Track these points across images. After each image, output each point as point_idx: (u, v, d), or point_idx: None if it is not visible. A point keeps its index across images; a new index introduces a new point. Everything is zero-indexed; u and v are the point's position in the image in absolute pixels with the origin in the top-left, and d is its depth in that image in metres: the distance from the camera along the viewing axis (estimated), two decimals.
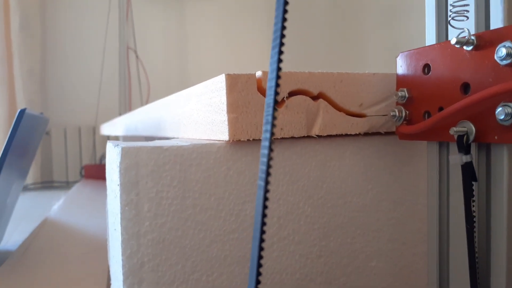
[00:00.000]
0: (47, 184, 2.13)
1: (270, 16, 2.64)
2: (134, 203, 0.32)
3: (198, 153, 0.34)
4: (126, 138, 1.26)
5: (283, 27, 0.23)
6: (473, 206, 0.30)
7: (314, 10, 2.23)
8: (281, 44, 0.23)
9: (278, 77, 0.22)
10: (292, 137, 0.36)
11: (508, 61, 0.27)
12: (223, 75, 0.34)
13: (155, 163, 0.33)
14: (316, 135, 0.37)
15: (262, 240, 0.22)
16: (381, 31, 1.83)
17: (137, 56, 2.26)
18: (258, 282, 0.22)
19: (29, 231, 0.92)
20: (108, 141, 0.44)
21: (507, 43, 0.27)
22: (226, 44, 2.62)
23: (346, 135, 0.38)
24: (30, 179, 2.05)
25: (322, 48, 2.26)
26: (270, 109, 0.22)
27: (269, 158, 0.22)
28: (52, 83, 2.27)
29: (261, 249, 0.22)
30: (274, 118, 0.23)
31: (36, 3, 2.22)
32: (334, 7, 2.16)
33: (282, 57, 0.23)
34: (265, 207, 0.22)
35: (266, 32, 2.67)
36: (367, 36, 1.94)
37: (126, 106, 2.18)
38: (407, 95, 0.35)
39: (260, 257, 0.22)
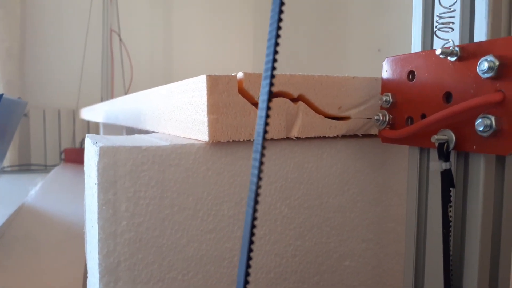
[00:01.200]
0: (24, 167, 2.09)
1: (256, 1, 2.62)
2: (112, 203, 0.32)
3: (177, 153, 0.34)
4: (106, 126, 1.25)
5: (278, 35, 0.23)
6: (450, 211, 0.31)
7: (297, 10, 2.23)
8: (275, 52, 0.23)
9: (271, 84, 0.22)
10: (272, 139, 0.37)
11: (489, 75, 0.28)
12: (204, 76, 0.34)
13: (133, 163, 0.33)
14: (295, 137, 0.38)
15: (251, 242, 0.22)
16: (363, 29, 1.83)
17: (120, 39, 2.23)
18: (246, 282, 0.22)
19: (5, 217, 0.91)
20: (87, 135, 0.43)
21: (489, 57, 0.28)
22: (212, 30, 2.60)
23: (324, 137, 0.39)
24: (7, 161, 2.02)
25: (305, 47, 2.26)
26: (263, 115, 0.22)
27: (261, 163, 0.22)
28: (31, 64, 2.22)
29: (250, 250, 0.23)
30: (266, 124, 0.23)
31: None
32: (318, 6, 2.16)
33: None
34: (255, 211, 0.22)
35: (252, 17, 2.65)
36: (349, 34, 1.94)
37: (108, 90, 2.15)
38: (391, 100, 0.36)
39: (249, 258, 0.23)
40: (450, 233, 0.31)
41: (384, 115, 0.36)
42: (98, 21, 2.19)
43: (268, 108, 0.23)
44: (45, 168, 2.07)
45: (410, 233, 0.36)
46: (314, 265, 0.40)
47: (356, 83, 0.39)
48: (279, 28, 0.22)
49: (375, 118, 0.37)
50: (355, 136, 0.40)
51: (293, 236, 0.39)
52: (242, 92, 0.35)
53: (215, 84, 0.34)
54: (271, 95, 0.22)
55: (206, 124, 0.34)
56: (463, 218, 0.32)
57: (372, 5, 1.79)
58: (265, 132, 0.23)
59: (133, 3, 2.39)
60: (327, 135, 0.39)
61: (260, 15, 2.59)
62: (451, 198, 0.31)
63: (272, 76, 0.23)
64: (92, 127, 2.19)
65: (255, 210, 0.23)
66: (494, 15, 0.30)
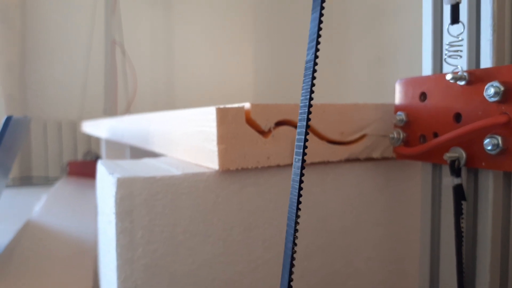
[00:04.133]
0: (25, 179, 2.11)
1: (257, 10, 2.64)
2: (128, 231, 0.34)
3: (189, 182, 0.36)
4: (109, 142, 1.27)
5: (315, 63, 0.25)
6: (462, 222, 0.34)
7: (298, 18, 2.25)
8: (313, 78, 0.25)
9: (309, 113, 0.25)
10: (278, 165, 0.39)
11: (496, 99, 0.30)
12: (214, 108, 0.36)
13: (148, 193, 0.34)
14: None
15: (292, 265, 0.25)
16: (364, 37, 1.86)
17: (123, 51, 2.25)
18: None
19: (10, 233, 0.92)
20: (99, 161, 0.45)
21: (495, 83, 0.30)
22: (214, 41, 2.62)
23: (328, 162, 0.41)
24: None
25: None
26: (302, 140, 0.25)
27: (300, 186, 0.25)
28: (32, 77, 2.24)
29: (291, 273, 0.25)
30: (305, 147, 0.26)
31: None
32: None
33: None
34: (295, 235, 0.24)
35: (253, 27, 2.67)
36: (350, 42, 1.96)
37: (111, 101, 2.16)
38: (405, 119, 0.39)
39: (290, 279, 0.25)
40: (462, 243, 0.33)
41: (398, 133, 0.39)
42: (100, 33, 2.22)
43: (306, 139, 0.25)
44: (46, 181, 2.08)
45: (424, 244, 0.38)
46: (321, 284, 0.41)
47: (357, 109, 0.41)
48: (315, 70, 0.25)
49: (390, 136, 0.40)
50: (357, 160, 0.42)
51: (299, 258, 0.40)
52: (250, 122, 0.37)
53: (224, 116, 0.36)
54: (308, 127, 0.25)
55: (216, 153, 0.36)
56: (474, 229, 0.34)
57: (372, 13, 1.81)
58: (305, 147, 0.26)
59: (135, 14, 2.41)
60: (330, 160, 0.40)
61: (260, 25, 2.61)
62: (463, 211, 0.34)
63: (310, 105, 0.25)
64: (94, 140, 2.20)
65: (295, 231, 0.26)
66: (498, 43, 0.33)
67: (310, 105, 0.26)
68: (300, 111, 0.26)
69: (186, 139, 0.43)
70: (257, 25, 2.66)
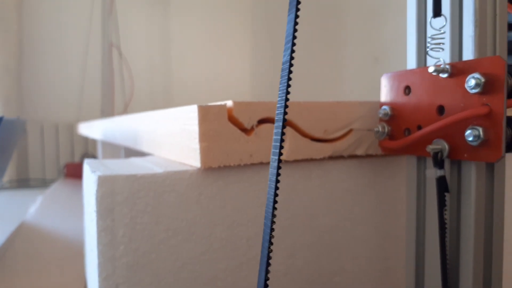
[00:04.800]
0: (23, 181, 2.11)
1: (254, 12, 2.65)
2: (110, 229, 0.34)
3: (171, 180, 0.36)
4: (105, 144, 1.27)
5: (291, 64, 0.25)
6: (445, 214, 0.34)
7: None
8: (289, 79, 0.25)
9: (285, 111, 0.25)
10: (261, 163, 0.39)
11: (477, 90, 0.31)
12: (196, 106, 0.36)
13: (129, 191, 0.34)
14: (284, 160, 0.39)
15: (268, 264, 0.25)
16: (360, 38, 1.86)
17: (120, 53, 2.25)
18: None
19: (4, 234, 0.92)
20: (85, 160, 0.45)
21: (476, 75, 0.31)
22: (211, 43, 2.62)
23: (312, 159, 0.41)
24: (5, 176, 2.03)
25: (302, 56, 2.28)
26: (278, 138, 0.25)
27: (277, 183, 0.25)
28: (29, 80, 2.24)
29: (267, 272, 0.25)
30: (281, 147, 0.26)
31: None
32: (314, 15, 2.18)
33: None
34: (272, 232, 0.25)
35: (250, 28, 2.68)
36: (346, 43, 1.97)
37: (109, 103, 2.17)
38: (389, 113, 0.39)
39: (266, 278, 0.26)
40: (446, 234, 0.34)
41: (383, 127, 0.39)
42: (97, 35, 2.22)
43: (282, 139, 0.26)
44: (43, 183, 2.08)
45: (410, 235, 0.38)
46: (306, 283, 0.41)
47: (340, 107, 0.41)
48: (291, 64, 0.25)
49: (375, 130, 0.40)
50: (341, 157, 0.42)
51: (284, 256, 0.40)
52: (232, 119, 0.37)
53: (206, 114, 0.36)
54: (284, 122, 0.25)
55: (198, 151, 0.36)
56: (458, 220, 0.34)
57: (369, 14, 1.82)
58: (280, 160, 0.26)
59: (132, 17, 2.41)
60: (314, 157, 0.41)
61: (257, 26, 2.61)
62: (446, 202, 0.34)
63: (286, 106, 0.26)
64: (91, 142, 2.20)
65: (271, 230, 0.26)
66: (480, 36, 0.33)
67: (286, 106, 0.26)
68: (276, 111, 0.26)
69: (171, 138, 0.43)
70: (254, 25, 2.66)
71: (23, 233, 0.95)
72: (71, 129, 2.20)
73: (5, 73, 2.11)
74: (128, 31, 2.35)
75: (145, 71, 2.46)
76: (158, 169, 0.37)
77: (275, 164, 0.26)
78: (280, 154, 0.26)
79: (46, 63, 2.26)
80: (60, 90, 2.27)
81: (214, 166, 0.36)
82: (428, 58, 0.37)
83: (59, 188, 1.60)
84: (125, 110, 2.26)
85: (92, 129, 1.30)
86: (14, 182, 2.06)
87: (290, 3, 0.26)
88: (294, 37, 0.26)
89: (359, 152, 0.42)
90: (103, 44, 2.18)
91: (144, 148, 0.56)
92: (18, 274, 0.70)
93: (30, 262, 0.76)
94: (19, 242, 0.88)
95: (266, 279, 0.27)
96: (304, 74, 2.30)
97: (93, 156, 2.08)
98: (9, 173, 2.06)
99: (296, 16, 0.25)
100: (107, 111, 2.17)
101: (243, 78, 2.69)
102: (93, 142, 2.19)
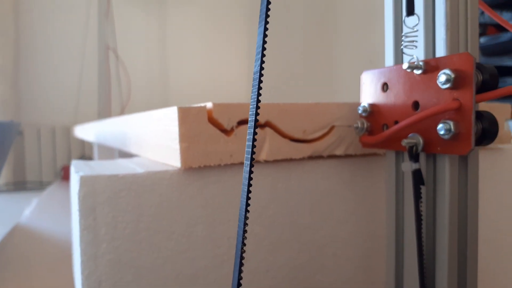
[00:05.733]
0: (19, 184, 2.11)
1: (250, 17, 2.66)
2: (92, 227, 0.35)
3: (152, 180, 0.37)
4: (100, 146, 1.28)
5: (262, 61, 0.26)
6: (421, 205, 0.35)
7: (288, 22, 2.26)
8: (259, 88, 0.26)
9: (257, 110, 0.26)
10: (241, 163, 0.40)
11: (447, 86, 0.32)
12: (176, 107, 0.37)
13: (111, 190, 0.35)
14: (264, 160, 0.40)
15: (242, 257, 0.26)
16: (355, 41, 1.87)
17: (117, 56, 2.26)
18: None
19: None
20: (72, 161, 0.46)
21: (446, 71, 0.32)
22: (207, 45, 2.64)
23: (292, 159, 0.42)
24: (2, 179, 2.04)
25: (297, 59, 2.29)
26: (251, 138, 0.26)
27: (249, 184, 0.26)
28: (25, 83, 2.25)
29: (241, 269, 0.26)
30: (254, 146, 0.27)
31: (9, 0, 2.20)
32: (309, 19, 2.20)
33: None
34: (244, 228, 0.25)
35: (246, 30, 2.69)
36: (341, 46, 1.98)
37: (105, 106, 2.18)
38: (368, 109, 0.40)
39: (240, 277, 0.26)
40: (422, 226, 0.35)
41: (362, 123, 0.41)
42: (93, 38, 2.23)
43: (255, 133, 0.26)
44: (40, 186, 2.09)
45: (390, 228, 0.39)
46: (287, 279, 0.42)
47: (319, 108, 0.42)
48: (262, 61, 0.26)
49: (355, 125, 0.41)
50: (320, 157, 0.43)
51: (265, 253, 0.41)
52: (212, 120, 0.38)
53: (186, 115, 0.37)
54: (256, 123, 0.26)
55: (179, 151, 0.37)
56: (434, 212, 0.35)
57: (363, 17, 1.83)
58: (252, 159, 0.26)
59: (128, 19, 2.43)
60: (294, 157, 0.42)
61: (253, 28, 2.63)
62: (422, 195, 0.35)
63: (258, 107, 0.27)
64: (87, 144, 2.21)
65: (244, 232, 0.27)
66: (452, 33, 0.34)
67: (257, 113, 0.27)
68: (249, 118, 0.27)
69: (155, 139, 0.44)
70: (250, 27, 2.67)
71: (17, 235, 0.96)
72: (68, 132, 2.21)
73: (1, 76, 2.12)
74: (124, 34, 2.36)
75: (142, 74, 2.47)
76: (139, 170, 0.38)
77: (248, 168, 0.27)
78: (252, 165, 0.27)
79: (43, 66, 2.27)
80: (57, 93, 2.28)
81: (194, 166, 0.37)
82: (404, 56, 0.38)
83: (55, 191, 1.61)
84: (122, 113, 2.27)
85: (87, 131, 1.31)
86: (10, 184, 2.07)
87: (260, 16, 0.27)
88: (264, 49, 0.27)
89: (338, 152, 0.43)
90: (99, 47, 2.19)
91: (132, 150, 0.57)
92: (10, 276, 0.70)
93: (22, 264, 0.77)
94: (13, 244, 0.89)
95: (240, 278, 0.28)
96: (302, 77, 2.31)
97: (90, 158, 2.09)
98: (6, 176, 2.06)
99: (265, 29, 0.26)
100: (104, 114, 2.18)
101: (240, 80, 2.70)
102: (90, 144, 2.20)
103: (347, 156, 0.44)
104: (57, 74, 2.29)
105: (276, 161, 0.41)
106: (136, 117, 0.54)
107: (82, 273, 0.35)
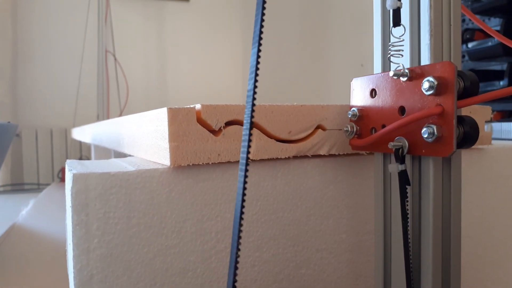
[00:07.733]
0: (17, 186, 2.13)
1: (245, 21, 2.68)
2: (84, 223, 0.37)
3: (142, 177, 0.38)
4: (97, 147, 1.30)
5: (258, 62, 0.28)
6: (407, 205, 0.37)
7: (281, 25, 2.29)
8: (256, 77, 0.28)
9: (252, 110, 0.28)
10: (229, 162, 0.41)
11: (431, 92, 0.34)
12: (165, 108, 0.39)
13: (102, 187, 0.37)
14: (250, 159, 0.42)
15: (238, 250, 0.28)
16: (347, 45, 1.89)
17: (115, 60, 2.28)
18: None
19: None
20: (67, 160, 0.48)
21: (430, 78, 0.34)
22: (205, 49, 2.65)
23: (277, 158, 0.44)
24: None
25: (289, 63, 2.32)
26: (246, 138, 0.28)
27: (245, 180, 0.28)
28: (23, 85, 2.26)
29: (236, 264, 0.28)
30: (249, 146, 0.29)
31: (7, 2, 2.21)
32: (301, 23, 2.22)
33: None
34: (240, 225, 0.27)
35: (241, 36, 2.71)
36: (333, 50, 2.00)
37: (104, 109, 2.19)
38: (358, 114, 0.42)
39: (235, 274, 0.28)
40: (408, 223, 0.37)
41: (352, 127, 0.43)
42: (92, 41, 2.25)
43: (250, 134, 0.28)
44: (38, 187, 2.10)
45: (378, 225, 0.41)
46: (272, 273, 0.44)
47: (303, 110, 0.44)
48: (258, 62, 0.28)
49: (344, 129, 0.43)
50: (305, 157, 0.45)
51: (252, 248, 0.43)
52: (201, 121, 0.40)
53: (175, 116, 0.39)
54: (252, 124, 0.28)
55: (168, 150, 0.39)
56: (419, 210, 0.38)
57: (354, 21, 1.85)
58: (248, 158, 0.28)
59: (127, 23, 2.45)
60: (279, 157, 0.43)
61: (249, 31, 2.65)
62: (408, 194, 0.38)
63: (253, 110, 0.28)
64: (84, 146, 2.23)
65: (240, 225, 0.28)
66: (435, 40, 0.36)
67: (251, 127, 0.29)
68: (243, 133, 0.29)
69: (146, 139, 0.46)
70: (246, 30, 2.69)
71: (13, 235, 0.98)
72: (66, 134, 2.23)
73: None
74: (123, 37, 2.38)
75: (140, 77, 2.49)
76: (130, 168, 0.39)
77: (243, 167, 0.29)
78: (246, 176, 0.29)
79: (41, 68, 2.29)
80: (55, 95, 2.30)
81: (183, 164, 0.39)
82: (392, 64, 0.40)
83: (53, 192, 1.62)
84: (121, 116, 2.28)
85: (84, 134, 1.32)
86: (8, 186, 2.08)
87: (253, 38, 0.29)
88: (257, 69, 0.28)
89: (322, 152, 0.45)
90: (98, 50, 2.20)
91: (126, 150, 0.59)
92: (5, 274, 0.72)
93: (18, 263, 0.78)
94: (9, 244, 0.90)
95: (235, 274, 0.29)
96: (295, 80, 2.33)
97: (88, 160, 2.10)
98: (4, 178, 2.08)
99: (259, 51, 0.28)
100: (102, 117, 2.20)
101: (236, 83, 2.72)
102: (87, 146, 2.22)
103: (330, 155, 0.46)
104: (56, 77, 2.31)
105: (262, 160, 0.43)
106: (129, 118, 0.55)
107: (75, 267, 0.37)
